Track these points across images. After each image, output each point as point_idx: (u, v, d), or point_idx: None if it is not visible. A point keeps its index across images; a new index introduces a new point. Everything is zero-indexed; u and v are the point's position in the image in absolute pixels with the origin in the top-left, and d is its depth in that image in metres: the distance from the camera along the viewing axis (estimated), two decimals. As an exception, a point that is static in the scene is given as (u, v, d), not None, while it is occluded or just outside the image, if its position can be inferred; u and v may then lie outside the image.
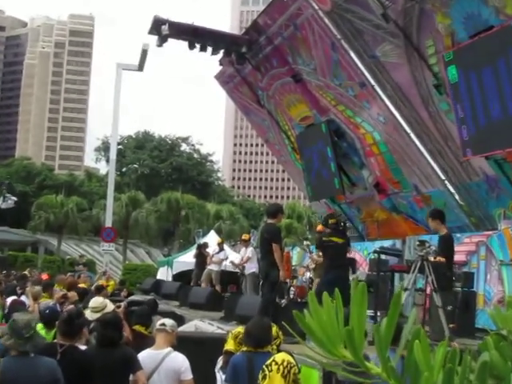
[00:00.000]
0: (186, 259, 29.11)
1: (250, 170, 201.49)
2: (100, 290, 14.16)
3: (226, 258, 22.86)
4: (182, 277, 27.36)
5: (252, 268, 20.43)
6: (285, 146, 26.26)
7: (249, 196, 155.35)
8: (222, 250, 23.18)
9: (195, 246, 28.25)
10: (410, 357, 1.44)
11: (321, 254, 15.50)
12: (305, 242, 26.51)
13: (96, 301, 9.78)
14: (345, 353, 1.46)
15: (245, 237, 22.11)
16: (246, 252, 21.10)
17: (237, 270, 22.06)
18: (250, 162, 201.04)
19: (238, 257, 22.30)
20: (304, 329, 1.50)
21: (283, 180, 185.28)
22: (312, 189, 24.90)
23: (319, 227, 17.60)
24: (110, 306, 9.64)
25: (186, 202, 73.31)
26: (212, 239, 29.05)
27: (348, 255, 14.90)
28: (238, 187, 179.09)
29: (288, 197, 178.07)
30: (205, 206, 76.04)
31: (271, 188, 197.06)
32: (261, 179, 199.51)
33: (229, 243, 46.49)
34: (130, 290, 24.61)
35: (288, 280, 18.51)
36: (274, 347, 7.24)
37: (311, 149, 23.84)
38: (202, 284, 22.44)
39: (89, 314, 9.19)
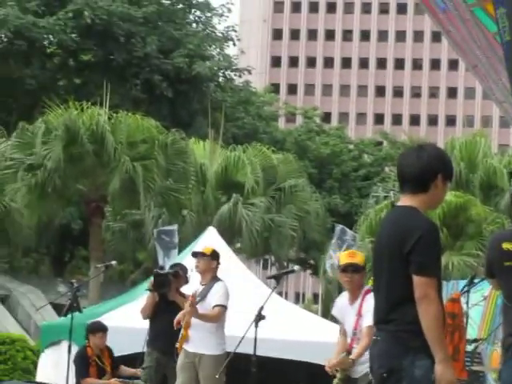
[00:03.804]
0: (126, 318, 11.67)
1: (330, 38, 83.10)
2: None
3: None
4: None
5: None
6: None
7: (325, 120, 63.65)
8: (215, 281, 8.68)
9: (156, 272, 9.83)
10: None
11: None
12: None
13: None
14: None
15: (356, 256, 7.30)
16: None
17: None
18: (329, 12, 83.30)
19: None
20: None
21: (436, 67, 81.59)
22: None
23: None
24: None
25: (128, 140, 25.11)
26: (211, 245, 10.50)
27: None
28: (292, 90, 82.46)
29: (449, 122, 79.83)
30: (185, 150, 26.74)
31: (395, 97, 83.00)
32: (362, 69, 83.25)
33: (255, 266, 22.46)
34: None
35: None
36: None
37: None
38: None
39: None
